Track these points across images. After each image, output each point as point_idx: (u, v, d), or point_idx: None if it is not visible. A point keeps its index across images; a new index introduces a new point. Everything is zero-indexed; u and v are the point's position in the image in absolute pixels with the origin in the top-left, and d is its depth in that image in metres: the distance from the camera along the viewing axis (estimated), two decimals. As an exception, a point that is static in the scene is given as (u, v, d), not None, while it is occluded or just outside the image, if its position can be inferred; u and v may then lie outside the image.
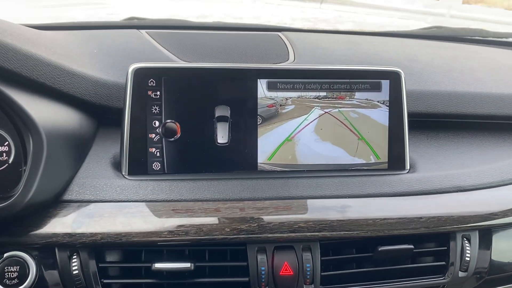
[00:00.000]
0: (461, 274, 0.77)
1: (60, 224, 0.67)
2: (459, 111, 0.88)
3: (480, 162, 0.84)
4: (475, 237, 0.78)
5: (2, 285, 0.65)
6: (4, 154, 0.67)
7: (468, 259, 0.77)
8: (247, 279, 0.70)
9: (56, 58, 0.71)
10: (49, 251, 0.67)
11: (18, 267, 0.66)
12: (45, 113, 0.67)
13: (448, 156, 0.85)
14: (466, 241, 0.77)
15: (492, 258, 0.79)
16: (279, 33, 1.09)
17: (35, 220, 0.66)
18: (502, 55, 1.17)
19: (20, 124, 0.65)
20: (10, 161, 0.67)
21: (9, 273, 0.66)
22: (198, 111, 0.74)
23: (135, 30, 1.04)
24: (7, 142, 0.67)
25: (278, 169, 0.77)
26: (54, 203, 0.68)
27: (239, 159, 0.76)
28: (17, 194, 0.63)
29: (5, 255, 0.66)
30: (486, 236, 0.79)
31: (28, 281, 0.66)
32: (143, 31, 1.04)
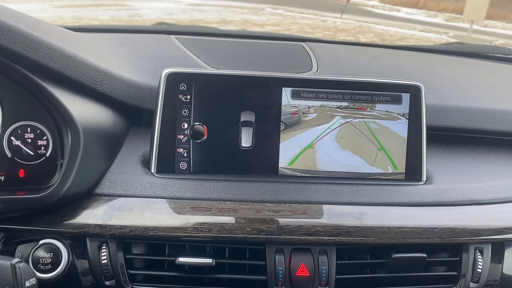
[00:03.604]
0: (472, 285, 0.79)
1: (92, 216, 0.71)
2: (477, 126, 0.90)
3: (496, 177, 0.85)
4: (488, 249, 0.80)
5: (36, 270, 0.69)
6: (43, 147, 0.71)
7: (479, 271, 0.78)
8: (264, 277, 0.74)
9: (95, 60, 0.76)
10: (80, 240, 0.72)
11: (51, 254, 0.70)
12: (83, 111, 0.72)
13: (464, 170, 0.87)
14: (479, 253, 0.79)
15: (503, 271, 0.81)
16: (302, 43, 1.12)
17: (69, 211, 0.71)
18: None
19: (60, 120, 0.69)
20: (48, 154, 0.72)
21: (43, 259, 0.70)
22: (224, 115, 0.78)
23: (165, 35, 1.09)
24: (45, 137, 0.71)
25: (298, 174, 0.80)
26: (87, 196, 0.72)
27: (261, 163, 0.79)
28: (55, 186, 0.67)
29: (41, 242, 0.71)
30: (498, 250, 0.81)
31: (60, 268, 0.70)
32: (172, 36, 1.08)
